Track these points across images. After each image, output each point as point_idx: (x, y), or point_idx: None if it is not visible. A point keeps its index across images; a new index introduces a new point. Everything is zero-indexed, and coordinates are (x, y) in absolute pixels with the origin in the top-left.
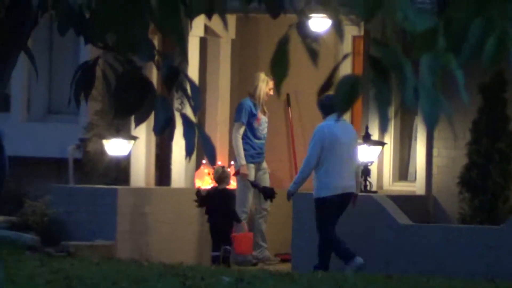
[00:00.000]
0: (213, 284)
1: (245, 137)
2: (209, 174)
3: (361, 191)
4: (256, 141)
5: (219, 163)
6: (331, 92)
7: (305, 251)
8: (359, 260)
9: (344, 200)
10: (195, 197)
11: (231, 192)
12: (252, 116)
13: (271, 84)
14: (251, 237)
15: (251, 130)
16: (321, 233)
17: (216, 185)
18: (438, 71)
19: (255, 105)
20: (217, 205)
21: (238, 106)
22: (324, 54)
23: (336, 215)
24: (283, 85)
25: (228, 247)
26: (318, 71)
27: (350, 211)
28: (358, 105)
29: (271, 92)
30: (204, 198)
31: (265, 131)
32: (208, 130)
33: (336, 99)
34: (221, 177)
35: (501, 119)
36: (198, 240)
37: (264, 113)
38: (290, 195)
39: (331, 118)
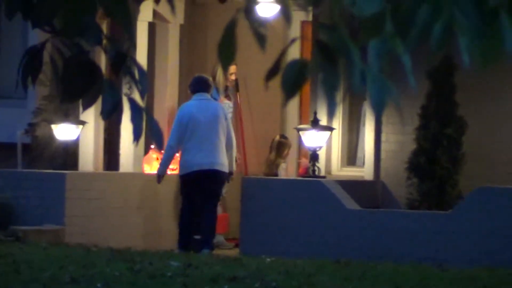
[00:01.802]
0: (161, 269)
1: None
2: (157, 159)
3: (309, 176)
4: None
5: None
6: (278, 76)
7: (254, 235)
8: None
9: (204, 177)
10: (143, 182)
11: None
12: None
13: (232, 69)
14: (227, 217)
15: None
16: (180, 209)
17: None
18: (386, 56)
19: (217, 89)
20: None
21: None
22: (273, 40)
23: (199, 193)
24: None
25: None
26: (266, 56)
27: (299, 196)
28: (307, 90)
29: (233, 77)
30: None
31: (230, 115)
32: (156, 115)
33: (283, 83)
34: None
35: (449, 104)
36: (146, 225)
37: (228, 97)
38: (158, 177)
39: (195, 98)
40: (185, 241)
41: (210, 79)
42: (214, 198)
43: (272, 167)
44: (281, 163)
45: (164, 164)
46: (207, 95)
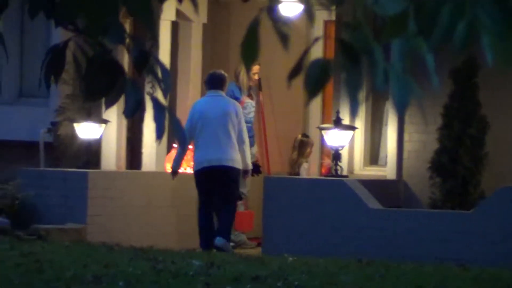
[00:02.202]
0: (184, 268)
1: None
2: None
3: (331, 175)
4: None
5: (190, 147)
6: (301, 76)
7: (276, 235)
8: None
9: (214, 173)
10: (166, 181)
11: None
12: (236, 100)
13: (255, 69)
14: (252, 215)
15: None
16: (198, 208)
17: None
18: (409, 55)
19: (240, 89)
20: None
21: None
22: (296, 39)
23: (212, 190)
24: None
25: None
26: (289, 56)
27: (322, 195)
28: (330, 89)
29: (256, 77)
30: None
31: (251, 115)
32: (179, 114)
33: (306, 83)
34: None
35: (472, 104)
36: (169, 224)
37: (251, 97)
38: (172, 173)
39: (208, 94)
40: (205, 240)
41: (226, 75)
42: (228, 195)
43: (294, 167)
44: (303, 163)
45: (176, 160)
46: (220, 92)
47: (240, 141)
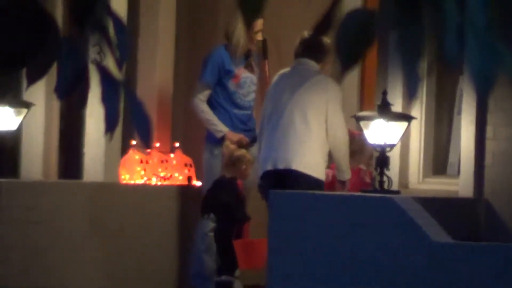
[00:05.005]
0: None
1: (216, 106)
2: (141, 161)
3: (374, 190)
4: (236, 111)
5: (157, 145)
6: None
7: (288, 280)
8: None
9: (279, 180)
10: (121, 197)
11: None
12: (227, 73)
13: (258, 24)
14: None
15: (225, 95)
16: None
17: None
18: (498, 4)
19: (232, 56)
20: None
21: (205, 58)
22: None
23: None
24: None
25: (225, 277)
26: (308, 5)
27: (359, 220)
28: (373, 57)
29: (259, 37)
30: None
31: (252, 96)
32: (141, 95)
33: (339, 47)
34: (231, 159)
35: None
36: (126, 262)
37: (250, 69)
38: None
39: (293, 65)
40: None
41: (326, 41)
42: None
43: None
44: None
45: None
46: (310, 63)
47: (332, 139)
